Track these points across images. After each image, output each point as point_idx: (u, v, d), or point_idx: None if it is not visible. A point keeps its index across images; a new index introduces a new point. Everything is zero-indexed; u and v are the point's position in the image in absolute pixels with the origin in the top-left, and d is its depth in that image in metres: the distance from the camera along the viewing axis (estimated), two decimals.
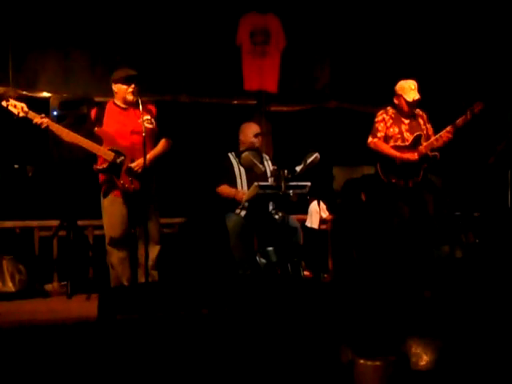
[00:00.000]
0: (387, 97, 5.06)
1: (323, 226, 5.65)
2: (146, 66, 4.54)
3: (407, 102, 4.89)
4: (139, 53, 5.76)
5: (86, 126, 4.41)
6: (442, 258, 4.89)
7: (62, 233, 5.14)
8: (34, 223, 5.41)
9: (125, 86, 4.35)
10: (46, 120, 4.24)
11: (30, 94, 5.49)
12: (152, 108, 4.50)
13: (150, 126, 4.39)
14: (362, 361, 2.64)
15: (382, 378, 2.60)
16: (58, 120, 4.71)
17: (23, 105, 4.21)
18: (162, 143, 4.48)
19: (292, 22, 6.35)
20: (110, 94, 4.51)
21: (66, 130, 4.27)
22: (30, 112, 4.21)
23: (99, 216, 4.51)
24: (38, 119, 4.21)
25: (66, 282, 5.01)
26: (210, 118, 6.10)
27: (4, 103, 4.20)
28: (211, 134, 6.00)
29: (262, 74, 6.27)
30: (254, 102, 6.33)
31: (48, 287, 5.23)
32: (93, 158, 4.42)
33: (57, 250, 5.35)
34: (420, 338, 2.86)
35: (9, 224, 5.34)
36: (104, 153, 4.29)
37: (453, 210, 5.67)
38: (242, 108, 6.28)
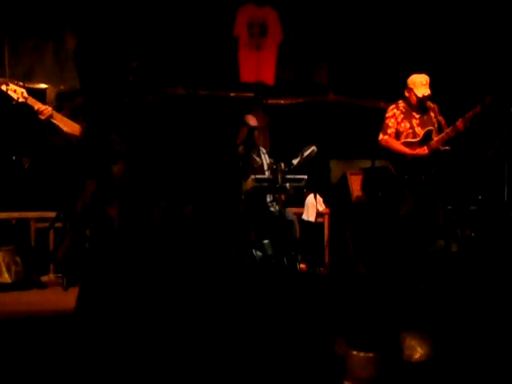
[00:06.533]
0: (385, 91, 5.06)
1: (320, 219, 5.66)
2: (141, 58, 4.52)
3: (417, 97, 4.82)
4: (135, 45, 5.75)
5: None
6: (438, 251, 4.89)
7: (58, 224, 5.13)
8: (31, 214, 5.42)
9: None
10: (50, 108, 4.19)
11: (26, 86, 5.47)
12: None
13: None
14: (354, 352, 2.65)
15: (374, 369, 2.61)
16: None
17: (23, 90, 4.18)
18: None
19: (290, 15, 6.34)
20: None
21: (66, 119, 4.23)
22: (30, 98, 4.18)
23: None
24: (40, 106, 4.16)
25: (62, 274, 5.01)
26: (207, 110, 6.08)
27: (4, 87, 4.16)
28: (208, 127, 6.00)
29: (258, 66, 6.26)
30: (251, 95, 6.33)
31: (44, 278, 5.24)
32: None
33: (53, 242, 5.36)
34: (414, 330, 2.86)
35: (5, 215, 5.34)
36: None
37: (448, 204, 5.66)
38: (239, 101, 6.27)
